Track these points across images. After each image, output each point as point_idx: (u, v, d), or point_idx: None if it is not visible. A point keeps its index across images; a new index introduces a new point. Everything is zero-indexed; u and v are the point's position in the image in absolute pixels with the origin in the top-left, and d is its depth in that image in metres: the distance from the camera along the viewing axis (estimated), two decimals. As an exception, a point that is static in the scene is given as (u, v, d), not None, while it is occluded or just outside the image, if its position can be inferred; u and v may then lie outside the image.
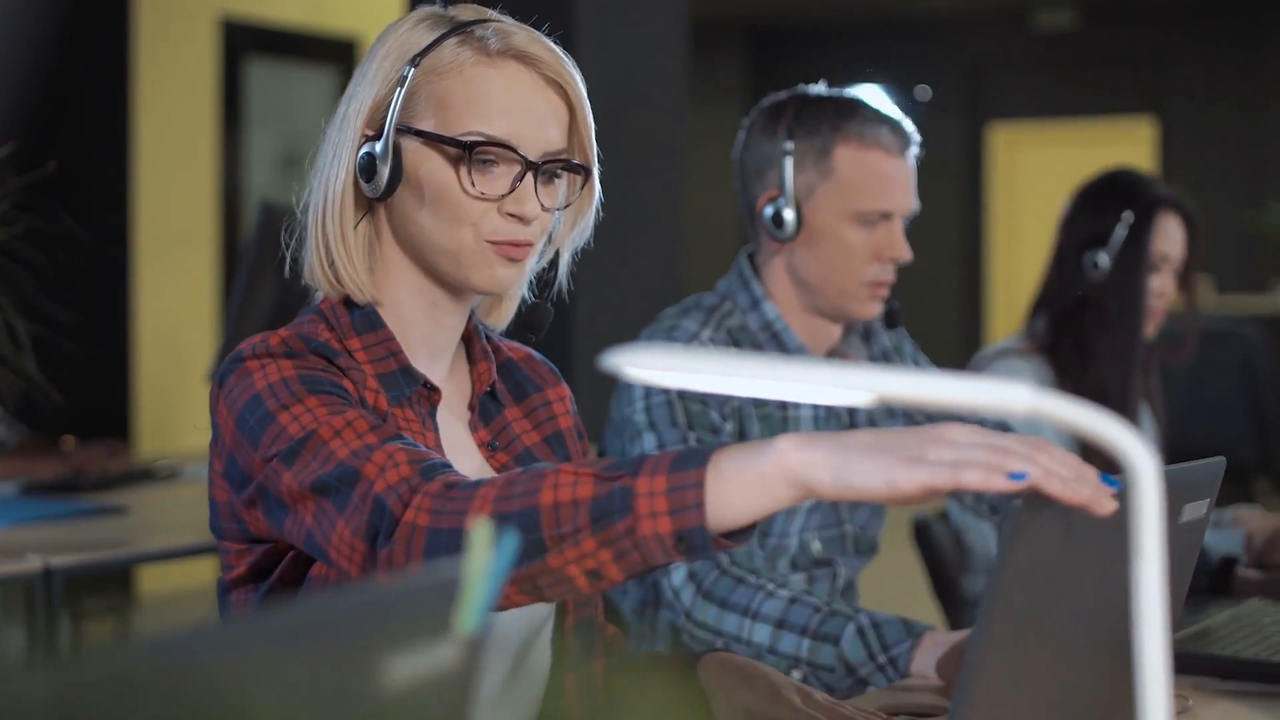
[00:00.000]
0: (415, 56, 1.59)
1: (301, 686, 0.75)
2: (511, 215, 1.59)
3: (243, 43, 7.06)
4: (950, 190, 12.27)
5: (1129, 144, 11.80)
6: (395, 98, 1.58)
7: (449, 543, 1.34)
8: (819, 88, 2.43)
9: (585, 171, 1.68)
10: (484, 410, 1.73)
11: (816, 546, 2.40)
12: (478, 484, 1.37)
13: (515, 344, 1.83)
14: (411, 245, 1.63)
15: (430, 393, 1.65)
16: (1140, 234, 2.95)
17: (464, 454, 1.69)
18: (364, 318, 1.63)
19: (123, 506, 3.16)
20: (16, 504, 3.13)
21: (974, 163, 12.40)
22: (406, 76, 1.58)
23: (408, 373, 1.63)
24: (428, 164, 1.59)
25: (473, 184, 1.58)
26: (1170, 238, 2.97)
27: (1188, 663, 1.92)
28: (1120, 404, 2.94)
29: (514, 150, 1.59)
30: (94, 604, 4.32)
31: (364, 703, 0.77)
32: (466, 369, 1.74)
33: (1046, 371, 2.97)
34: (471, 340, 1.74)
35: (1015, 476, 1.14)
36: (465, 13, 1.65)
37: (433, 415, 1.65)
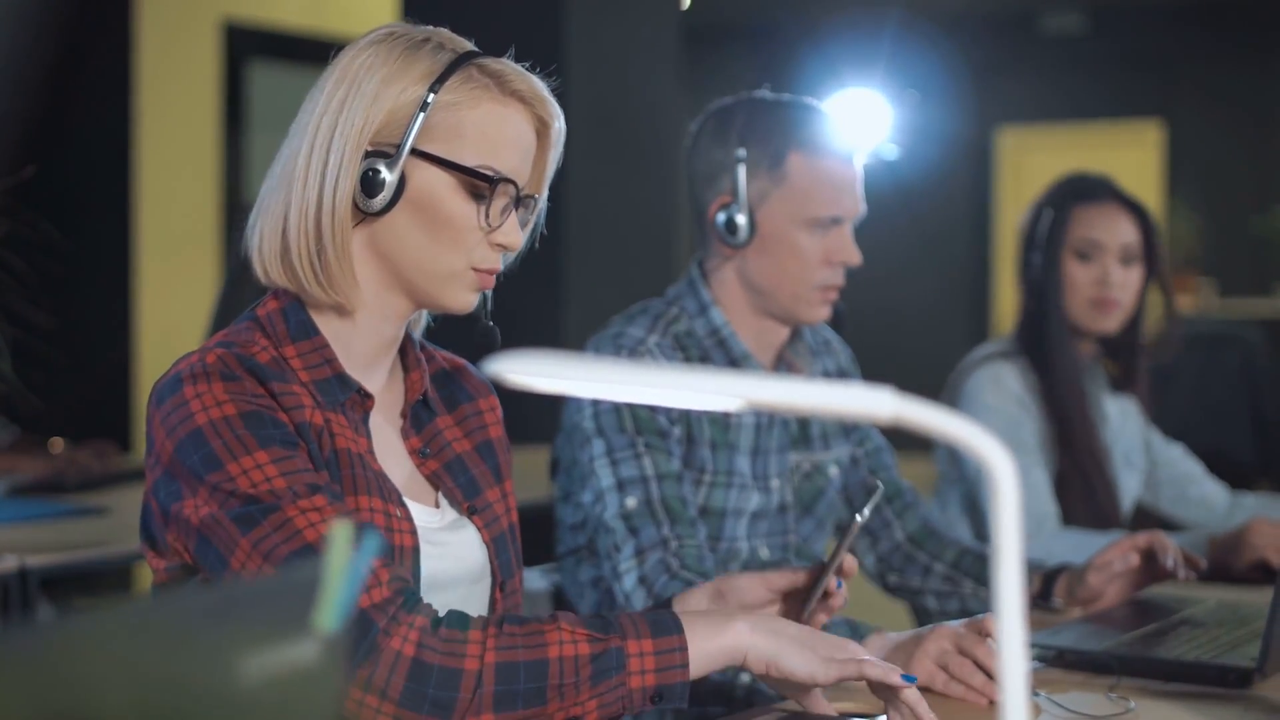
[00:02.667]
0: (435, 82, 1.64)
1: (158, 682, 0.76)
2: (501, 246, 1.69)
3: (245, 46, 7.09)
4: (958, 193, 12.27)
5: (1136, 148, 11.79)
6: (414, 120, 1.63)
7: (439, 680, 1.49)
8: (766, 93, 2.45)
9: (535, 203, 1.75)
10: (416, 418, 1.78)
11: (764, 553, 2.43)
12: (466, 627, 1.52)
13: (450, 354, 1.89)
14: (391, 260, 1.67)
15: (364, 399, 1.69)
16: (1056, 226, 3.01)
17: (395, 460, 1.74)
18: (300, 325, 1.68)
19: (104, 508, 3.19)
20: (-1, 505, 3.17)
21: (982, 166, 12.40)
22: (428, 102, 1.63)
23: (342, 379, 1.67)
24: (437, 188, 1.65)
25: (486, 216, 1.66)
26: (1096, 225, 3.01)
27: (1131, 665, 1.94)
28: (1072, 396, 2.97)
29: (516, 187, 1.68)
30: (85, 604, 4.33)
31: (221, 698, 0.79)
32: (401, 377, 1.79)
33: (1031, 375, 3.01)
34: (406, 350, 1.79)
35: (907, 678, 1.61)
36: (443, 38, 1.70)
37: (365, 420, 1.70)
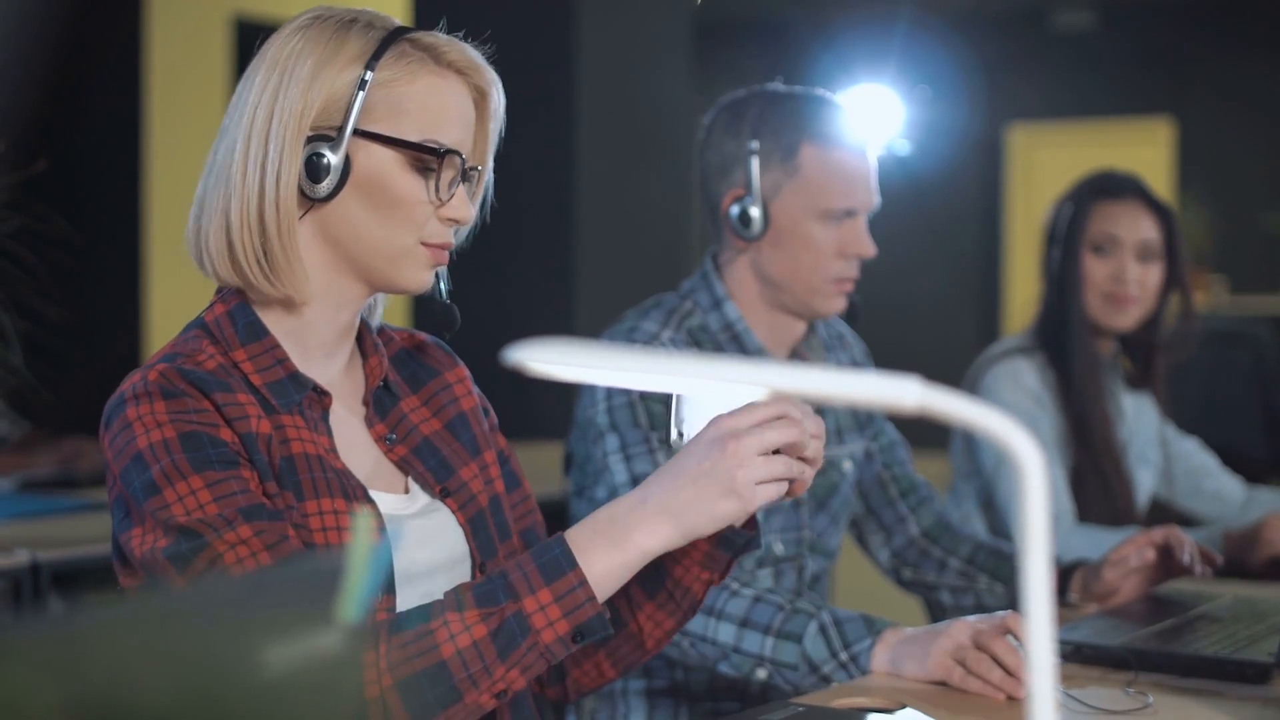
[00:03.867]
0: (370, 60, 1.61)
1: (181, 672, 0.76)
2: (451, 220, 1.66)
3: (256, 41, 7.08)
4: (968, 190, 12.25)
5: (1147, 145, 11.76)
6: (354, 101, 1.60)
7: None
8: (779, 85, 2.44)
9: (479, 174, 1.73)
10: (379, 404, 1.75)
11: (779, 548, 2.42)
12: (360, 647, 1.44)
13: (406, 331, 1.86)
14: (342, 244, 1.64)
15: (320, 397, 1.66)
16: (1076, 220, 3.01)
17: (360, 451, 1.71)
18: (249, 328, 1.65)
19: (115, 502, 3.18)
20: (9, 499, 3.16)
21: (992, 163, 12.38)
22: (367, 81, 1.61)
23: (295, 379, 1.64)
24: (383, 167, 1.62)
25: (436, 191, 1.63)
26: (1115, 220, 3.01)
27: (1149, 660, 1.93)
28: (1089, 392, 2.96)
29: (462, 159, 1.65)
30: (95, 599, 4.34)
31: (244, 689, 0.78)
32: (360, 364, 1.75)
33: (1049, 370, 3.00)
34: (362, 336, 1.76)
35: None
36: (370, 17, 1.67)
37: (325, 419, 1.67)
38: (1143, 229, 3.00)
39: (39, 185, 3.01)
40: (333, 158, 1.61)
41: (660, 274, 4.93)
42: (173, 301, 6.63)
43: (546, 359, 0.94)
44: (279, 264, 1.62)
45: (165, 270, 6.62)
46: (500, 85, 1.71)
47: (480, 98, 1.69)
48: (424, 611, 1.52)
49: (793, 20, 12.03)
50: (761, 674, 2.06)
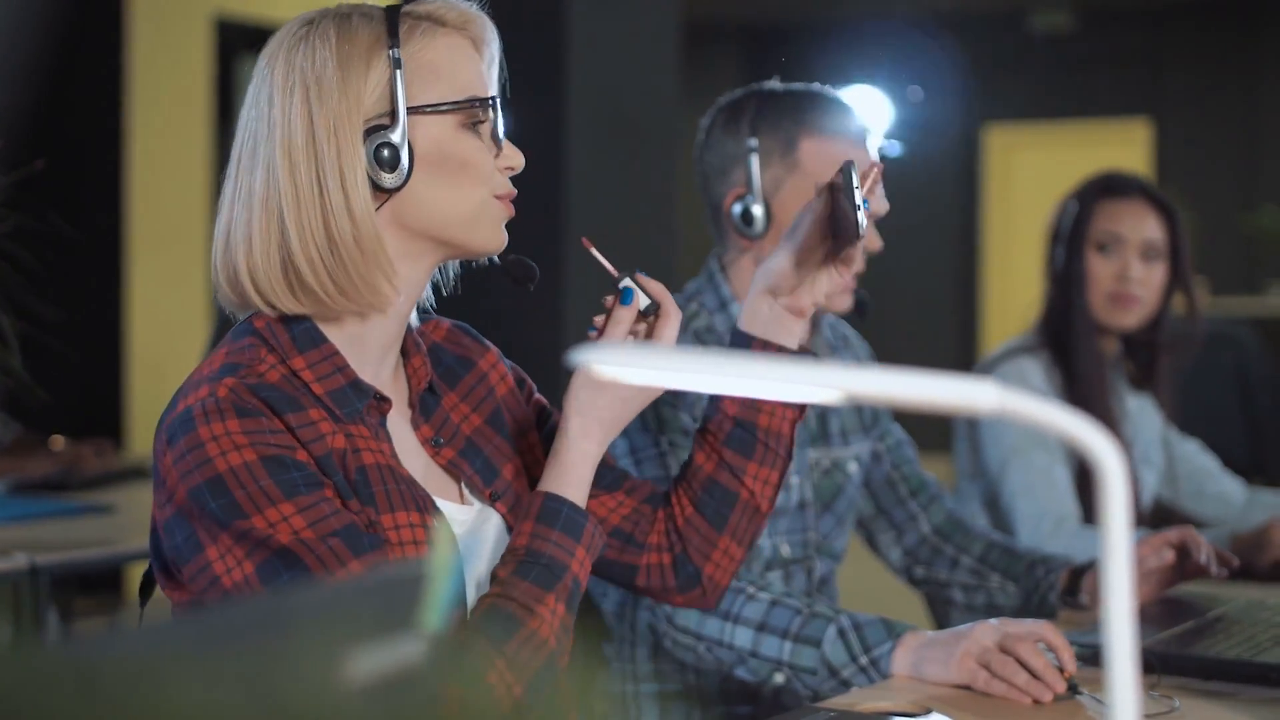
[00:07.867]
0: (390, 41, 1.59)
1: (265, 681, 0.74)
2: (509, 168, 1.66)
3: (237, 41, 7.06)
4: (946, 191, 12.25)
5: (1124, 146, 11.79)
6: (396, 82, 1.58)
7: None
8: (775, 83, 2.42)
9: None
10: (424, 405, 1.72)
11: (785, 550, 2.40)
12: (485, 670, 1.52)
13: (431, 320, 1.81)
14: (419, 226, 1.61)
15: (380, 403, 1.64)
16: (1080, 219, 3.02)
17: (411, 455, 1.68)
18: (305, 334, 1.61)
19: (110, 505, 3.15)
20: (4, 502, 3.13)
21: (969, 164, 12.39)
22: (400, 60, 1.59)
23: (357, 387, 1.61)
24: (441, 135, 1.61)
25: (493, 141, 1.65)
26: (1119, 219, 3.01)
27: (1172, 663, 1.92)
28: (1096, 392, 2.96)
29: (497, 107, 1.66)
30: (85, 603, 4.32)
31: (328, 697, 0.77)
32: (402, 365, 1.72)
33: (1054, 369, 3.00)
34: (404, 335, 1.71)
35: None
36: (348, 7, 1.65)
37: (384, 424, 1.64)
38: (1147, 228, 3.00)
39: (27, 185, 2.98)
40: (398, 140, 1.58)
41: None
42: (154, 302, 6.59)
43: (616, 363, 0.92)
44: (360, 275, 1.58)
45: (146, 270, 6.58)
46: (495, 29, 1.70)
47: (480, 45, 1.68)
48: (504, 615, 1.55)
49: (780, 23, 12.03)
50: (779, 679, 2.04)
